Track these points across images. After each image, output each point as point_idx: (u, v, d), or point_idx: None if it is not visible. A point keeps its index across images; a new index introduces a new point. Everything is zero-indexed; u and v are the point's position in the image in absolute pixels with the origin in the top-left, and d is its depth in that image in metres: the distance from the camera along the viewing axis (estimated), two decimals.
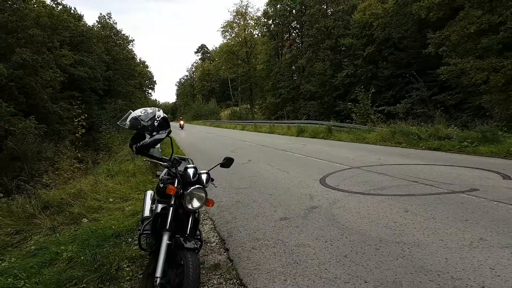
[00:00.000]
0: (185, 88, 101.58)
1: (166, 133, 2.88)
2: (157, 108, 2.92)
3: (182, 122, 41.50)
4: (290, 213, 4.86)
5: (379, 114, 18.81)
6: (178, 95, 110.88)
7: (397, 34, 25.64)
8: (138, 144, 2.78)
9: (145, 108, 2.91)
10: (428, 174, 6.87)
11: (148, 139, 2.78)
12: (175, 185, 2.78)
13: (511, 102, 14.73)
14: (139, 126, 2.76)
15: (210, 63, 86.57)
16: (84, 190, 6.34)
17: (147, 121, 2.78)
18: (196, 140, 21.48)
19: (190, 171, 2.87)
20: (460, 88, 19.30)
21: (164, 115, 2.89)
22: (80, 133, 12.59)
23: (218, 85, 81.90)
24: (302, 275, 3.09)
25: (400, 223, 4.17)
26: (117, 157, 13.81)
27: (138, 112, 2.85)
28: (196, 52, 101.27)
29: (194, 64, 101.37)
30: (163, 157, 3.00)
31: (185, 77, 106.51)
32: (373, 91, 19.53)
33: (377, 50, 28.14)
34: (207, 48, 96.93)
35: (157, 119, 2.82)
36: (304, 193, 5.94)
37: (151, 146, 2.84)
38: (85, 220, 5.23)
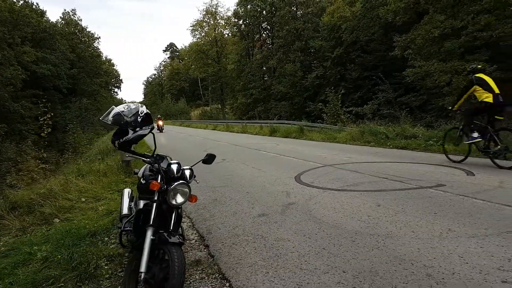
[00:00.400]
0: (153, 87, 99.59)
1: (149, 129, 2.87)
2: (140, 104, 2.91)
3: (161, 123, 31.44)
4: (268, 210, 4.94)
5: (348, 115, 19.31)
6: (145, 94, 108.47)
7: (364, 37, 26.43)
8: (121, 140, 2.76)
9: (128, 104, 2.89)
10: (397, 171, 7.16)
11: (131, 134, 2.77)
12: (158, 180, 2.78)
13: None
14: (122, 122, 2.74)
15: (180, 62, 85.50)
16: (54, 190, 6.15)
17: (130, 117, 2.77)
18: (166, 141, 21.18)
19: (174, 167, 2.89)
20: (424, 90, 20.15)
21: (147, 111, 2.88)
22: (46, 132, 12.14)
23: (188, 85, 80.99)
24: (283, 267, 3.16)
25: (373, 216, 4.34)
26: (86, 157, 13.42)
27: (121, 108, 2.83)
28: (164, 51, 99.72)
29: (163, 63, 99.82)
30: (145, 153, 2.99)
31: (153, 76, 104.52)
32: (342, 92, 20.01)
33: (345, 53, 28.87)
34: (176, 47, 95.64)
35: (140, 114, 2.81)
36: (280, 190, 6.04)
37: (134, 142, 2.83)
38: (57, 220, 5.08)
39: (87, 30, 55.22)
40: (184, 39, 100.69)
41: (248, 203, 5.40)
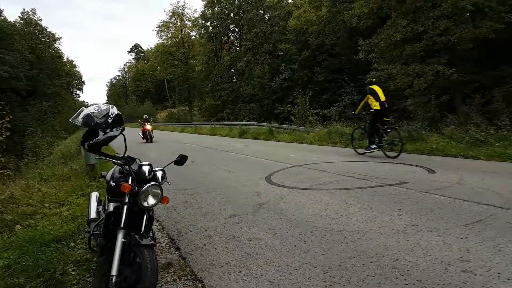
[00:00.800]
0: (117, 88, 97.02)
1: (120, 130, 2.82)
2: (110, 105, 2.85)
3: (149, 127, 20.10)
4: (239, 210, 4.97)
5: (316, 116, 19.64)
6: (109, 96, 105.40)
7: (330, 41, 27.04)
8: (91, 142, 2.70)
9: (98, 105, 2.83)
10: (362, 169, 7.40)
11: (101, 136, 2.70)
12: (129, 182, 2.74)
13: (432, 105, 16.30)
14: (92, 123, 2.67)
15: (145, 63, 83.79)
16: (15, 196, 5.87)
17: (100, 118, 2.70)
18: (131, 143, 20.68)
19: (145, 168, 2.85)
20: (386, 92, 20.81)
21: (118, 112, 2.83)
22: (4, 136, 11.53)
23: (154, 86, 79.43)
24: (255, 265, 3.21)
25: (341, 213, 4.47)
26: (48, 161, 12.89)
27: (91, 109, 2.76)
28: (129, 52, 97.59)
29: (127, 64, 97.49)
30: (115, 155, 2.94)
31: (117, 77, 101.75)
32: (310, 94, 20.34)
33: (312, 56, 29.41)
34: (141, 48, 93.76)
35: (111, 115, 2.76)
36: (251, 191, 6.09)
37: (104, 144, 2.77)
38: (19, 227, 4.84)
39: (48, 30, 52.99)
40: (150, 40, 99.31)
41: (219, 204, 5.41)
